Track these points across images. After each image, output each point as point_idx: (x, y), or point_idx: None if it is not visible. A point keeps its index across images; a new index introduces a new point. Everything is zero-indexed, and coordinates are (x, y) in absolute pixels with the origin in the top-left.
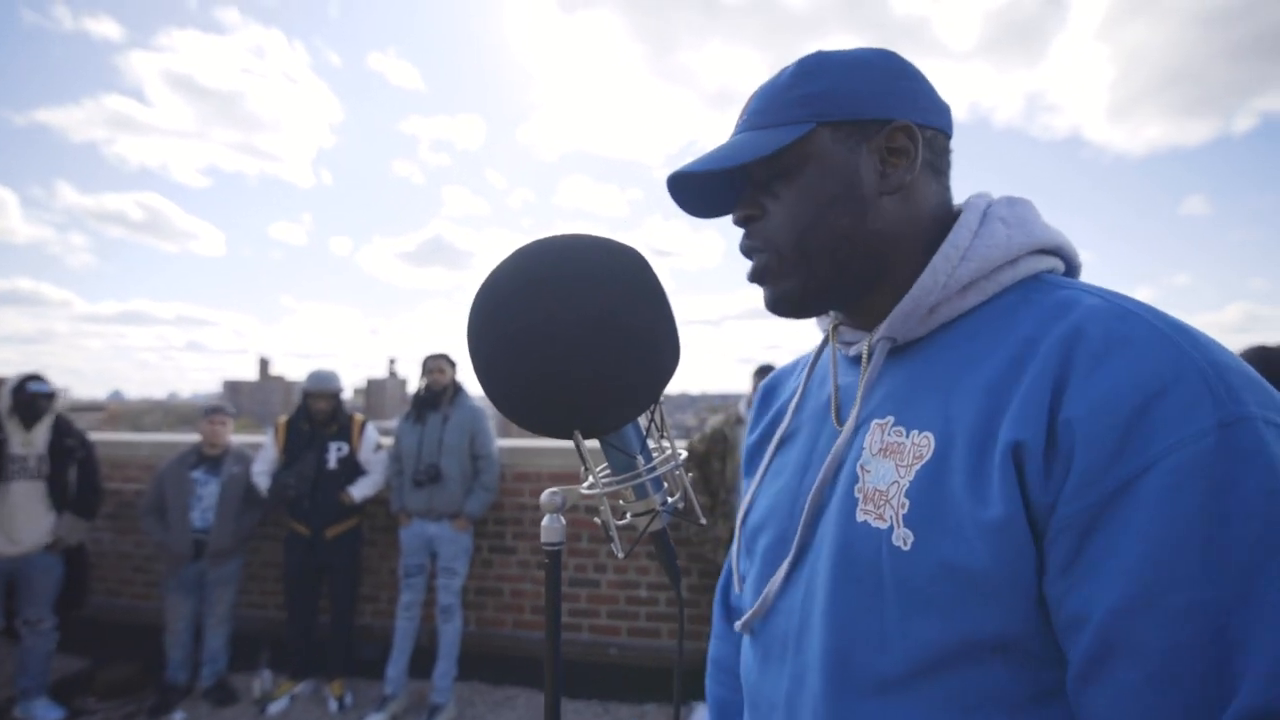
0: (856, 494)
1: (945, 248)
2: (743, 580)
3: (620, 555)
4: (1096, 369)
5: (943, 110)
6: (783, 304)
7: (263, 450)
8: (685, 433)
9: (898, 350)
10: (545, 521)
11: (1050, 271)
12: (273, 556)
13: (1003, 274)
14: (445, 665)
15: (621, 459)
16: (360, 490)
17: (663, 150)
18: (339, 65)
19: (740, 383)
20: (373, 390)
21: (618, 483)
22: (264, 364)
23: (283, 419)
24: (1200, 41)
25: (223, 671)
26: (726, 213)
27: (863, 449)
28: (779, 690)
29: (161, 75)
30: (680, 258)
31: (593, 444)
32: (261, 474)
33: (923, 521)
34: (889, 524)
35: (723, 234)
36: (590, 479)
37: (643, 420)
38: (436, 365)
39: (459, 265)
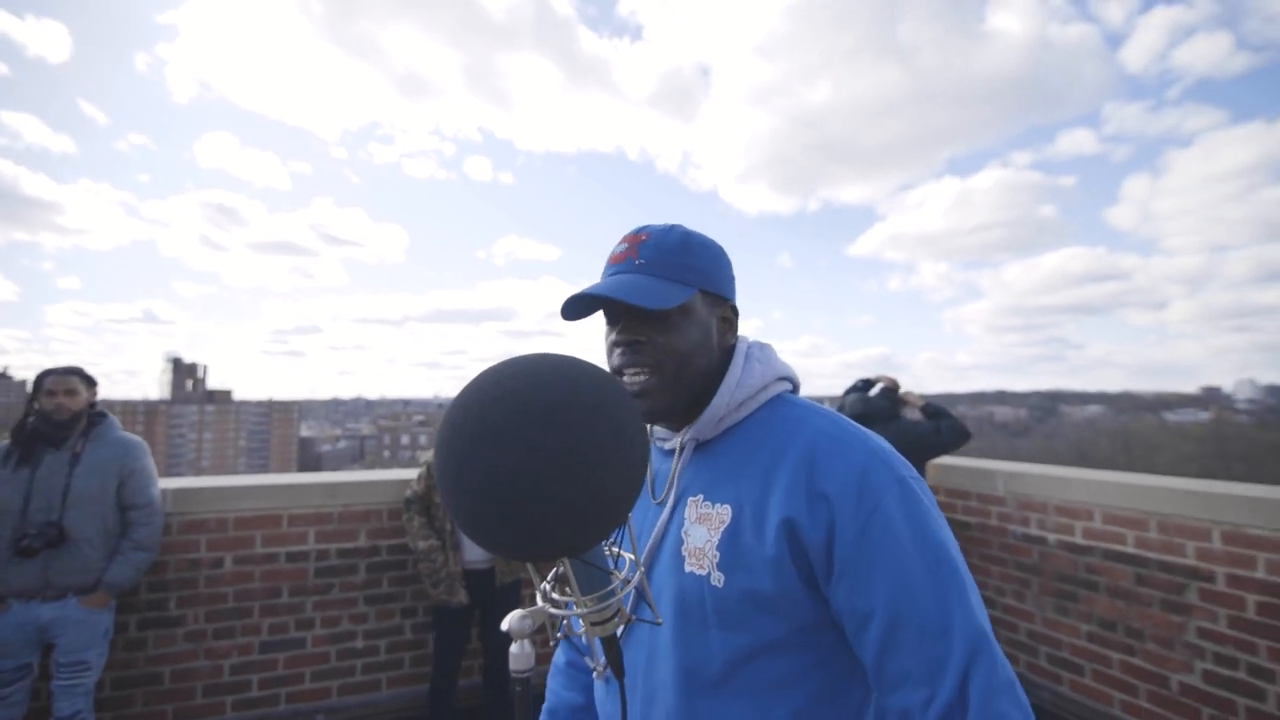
0: (684, 553)
1: (728, 380)
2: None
3: (600, 675)
4: (833, 462)
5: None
6: (655, 415)
7: None
8: (372, 440)
9: (701, 446)
10: (514, 649)
11: (787, 390)
12: None
13: (760, 395)
14: None
15: (588, 574)
16: None
17: (340, 125)
18: None
19: (419, 388)
20: None
21: (597, 599)
22: None
23: None
24: (793, 136)
25: None
26: (584, 316)
27: (684, 519)
28: (634, 709)
29: None
30: (360, 249)
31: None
32: None
33: (729, 565)
34: (707, 571)
35: (407, 229)
36: (554, 594)
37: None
38: (64, 385)
39: (26, 222)
